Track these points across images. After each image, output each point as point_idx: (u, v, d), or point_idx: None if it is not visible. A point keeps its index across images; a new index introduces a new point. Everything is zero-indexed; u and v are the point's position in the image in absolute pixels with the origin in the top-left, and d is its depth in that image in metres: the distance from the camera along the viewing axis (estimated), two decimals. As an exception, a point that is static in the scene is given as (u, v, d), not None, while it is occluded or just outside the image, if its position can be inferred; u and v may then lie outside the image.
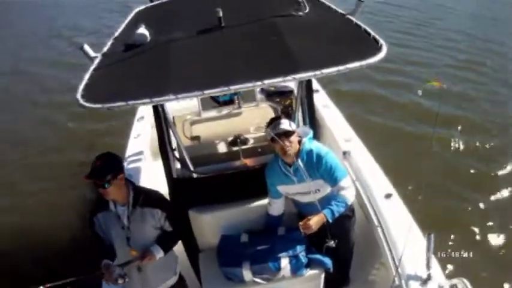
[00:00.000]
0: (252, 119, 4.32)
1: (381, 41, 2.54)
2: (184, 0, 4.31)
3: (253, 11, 3.27)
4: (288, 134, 2.98)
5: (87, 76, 2.83)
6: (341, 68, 2.32)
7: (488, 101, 8.32)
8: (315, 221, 2.92)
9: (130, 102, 2.37)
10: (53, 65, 11.31)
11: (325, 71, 2.31)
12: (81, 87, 2.68)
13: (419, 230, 3.20)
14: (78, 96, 2.57)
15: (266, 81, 2.30)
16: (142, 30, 3.17)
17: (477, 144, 6.95)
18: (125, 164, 4.26)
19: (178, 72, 2.61)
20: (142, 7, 4.42)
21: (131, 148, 4.86)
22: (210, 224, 3.40)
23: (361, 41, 2.63)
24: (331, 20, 3.13)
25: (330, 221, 2.94)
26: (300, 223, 2.95)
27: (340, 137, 4.41)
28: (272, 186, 3.22)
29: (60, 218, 5.84)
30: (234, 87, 2.30)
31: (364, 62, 2.35)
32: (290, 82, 4.44)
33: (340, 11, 3.24)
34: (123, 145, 5.04)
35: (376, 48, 2.49)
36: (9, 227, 5.89)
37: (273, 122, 3.06)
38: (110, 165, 2.77)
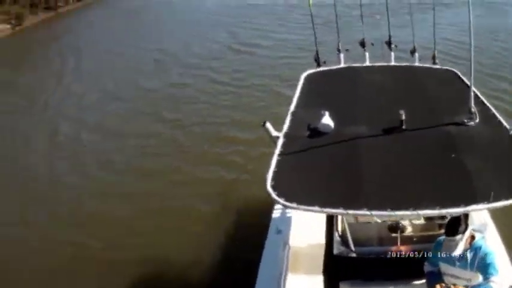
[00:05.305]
0: None
1: None
2: (352, 72, 4.70)
3: (431, 114, 3.63)
4: None
5: (274, 162, 3.15)
6: (506, 203, 2.68)
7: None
8: None
9: (325, 210, 2.70)
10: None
11: (494, 205, 2.67)
12: (270, 175, 2.97)
13: None
14: (269, 187, 2.85)
15: (450, 211, 2.63)
16: (327, 120, 3.57)
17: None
18: None
19: (368, 182, 2.93)
20: (311, 71, 4.76)
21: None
22: None
23: None
24: (496, 135, 3.45)
25: None
26: None
27: None
28: (434, 258, 3.47)
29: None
30: (421, 212, 2.64)
31: None
32: None
33: (504, 123, 3.56)
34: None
35: None
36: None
37: (450, 236, 3.19)
38: None
